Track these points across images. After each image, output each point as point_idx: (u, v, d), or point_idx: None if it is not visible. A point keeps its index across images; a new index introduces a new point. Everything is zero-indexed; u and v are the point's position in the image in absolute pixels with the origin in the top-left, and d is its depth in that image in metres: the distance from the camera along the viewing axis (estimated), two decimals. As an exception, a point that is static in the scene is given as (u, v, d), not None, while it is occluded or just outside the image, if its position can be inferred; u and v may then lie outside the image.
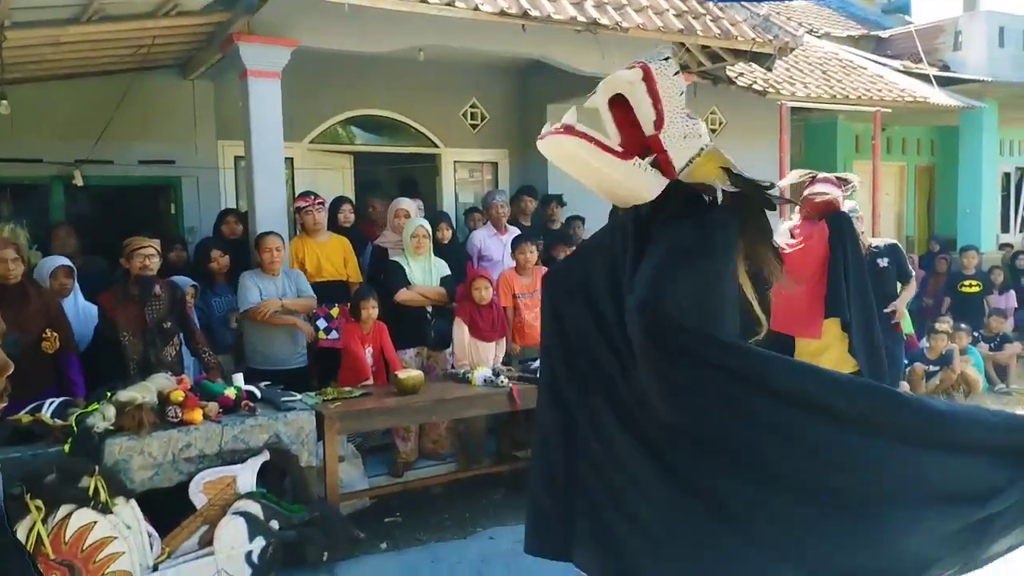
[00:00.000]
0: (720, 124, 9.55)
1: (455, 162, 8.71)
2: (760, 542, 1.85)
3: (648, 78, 2.00)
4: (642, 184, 2.03)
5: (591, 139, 2.01)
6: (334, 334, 5.48)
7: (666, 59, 2.02)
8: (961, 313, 8.75)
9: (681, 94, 2.04)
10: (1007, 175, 13.08)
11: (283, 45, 5.56)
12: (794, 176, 4.93)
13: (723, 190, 1.98)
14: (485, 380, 4.98)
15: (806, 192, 4.72)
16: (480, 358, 5.41)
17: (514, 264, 6.00)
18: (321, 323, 5.48)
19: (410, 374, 4.83)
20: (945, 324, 8.05)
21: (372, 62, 7.44)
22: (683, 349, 1.83)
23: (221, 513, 3.86)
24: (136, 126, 6.71)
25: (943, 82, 10.13)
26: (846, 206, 4.84)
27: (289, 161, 7.43)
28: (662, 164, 2.03)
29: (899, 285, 5.63)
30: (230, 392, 4.26)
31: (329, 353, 5.40)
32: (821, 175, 4.77)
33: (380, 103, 8.16)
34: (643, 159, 2.03)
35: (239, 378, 4.52)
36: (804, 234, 4.67)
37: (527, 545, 2.24)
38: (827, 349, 4.56)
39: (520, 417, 5.29)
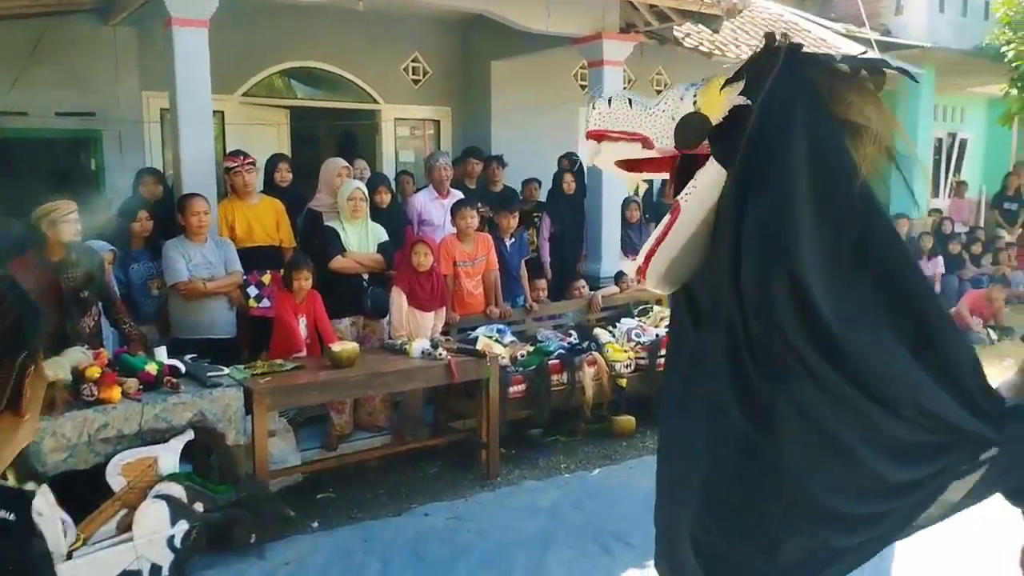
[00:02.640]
0: (665, 85, 9.43)
1: (396, 119, 8.43)
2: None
3: (604, 137, 1.93)
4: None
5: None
6: (265, 302, 5.26)
7: (602, 100, 1.93)
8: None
9: (633, 104, 1.90)
10: (939, 140, 13.34)
11: (211, -8, 5.21)
12: None
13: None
14: (423, 352, 4.85)
15: None
16: (418, 328, 5.27)
17: (455, 230, 5.83)
18: (252, 291, 5.25)
19: (344, 347, 4.67)
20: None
21: (309, 11, 7.10)
22: None
23: (141, 496, 3.68)
24: (53, 75, 6.30)
25: (883, 47, 10.16)
26: None
27: (220, 115, 7.09)
28: (700, 160, 1.84)
29: None
30: (151, 367, 4.04)
31: (260, 322, 5.19)
32: None
33: (317, 55, 7.82)
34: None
35: (162, 352, 4.29)
36: None
37: None
38: None
39: (458, 389, 5.19)
